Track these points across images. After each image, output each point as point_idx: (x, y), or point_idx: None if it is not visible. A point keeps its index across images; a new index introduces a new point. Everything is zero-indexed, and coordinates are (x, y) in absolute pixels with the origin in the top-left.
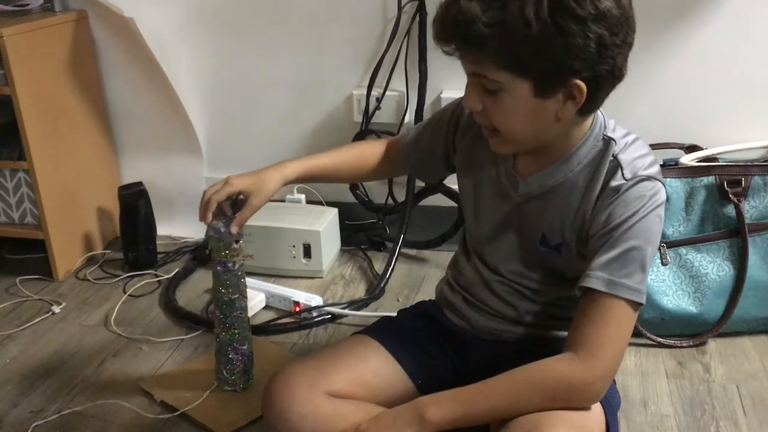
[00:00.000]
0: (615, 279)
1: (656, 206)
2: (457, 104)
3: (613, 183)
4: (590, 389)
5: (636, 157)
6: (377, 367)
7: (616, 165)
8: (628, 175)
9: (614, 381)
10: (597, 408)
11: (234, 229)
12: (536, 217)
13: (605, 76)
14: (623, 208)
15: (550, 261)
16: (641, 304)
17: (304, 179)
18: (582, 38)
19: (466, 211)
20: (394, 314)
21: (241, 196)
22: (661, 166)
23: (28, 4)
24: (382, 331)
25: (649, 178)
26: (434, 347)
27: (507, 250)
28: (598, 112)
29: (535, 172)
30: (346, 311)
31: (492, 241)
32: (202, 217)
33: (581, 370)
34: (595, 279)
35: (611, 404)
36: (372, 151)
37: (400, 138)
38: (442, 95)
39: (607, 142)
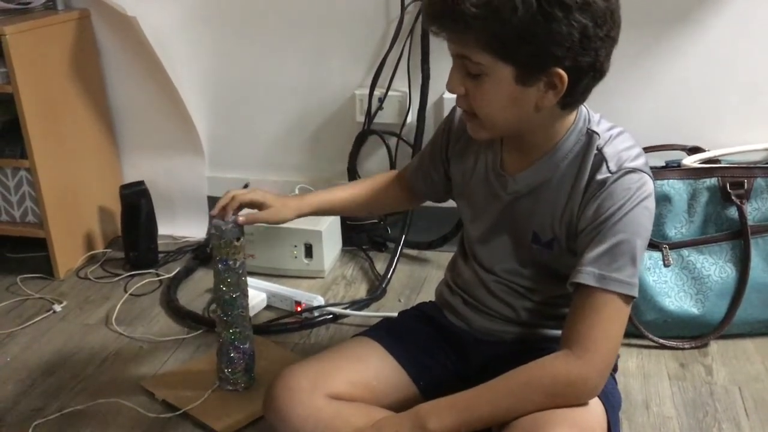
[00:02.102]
0: (606, 273)
1: (643, 198)
2: (450, 113)
3: (599, 176)
4: (588, 385)
5: (621, 149)
6: (379, 369)
7: (601, 158)
8: (613, 168)
9: (615, 380)
10: (598, 407)
11: (241, 219)
12: (527, 215)
13: (587, 68)
14: (610, 201)
15: (543, 258)
16: (633, 297)
17: (320, 212)
18: (566, 26)
19: (463, 216)
20: (396, 315)
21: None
22: (664, 167)
23: (30, 3)
24: (383, 332)
25: (634, 170)
26: (435, 349)
27: (501, 250)
28: (582, 106)
29: (522, 169)
30: (348, 311)
31: (486, 242)
32: (216, 211)
33: (578, 366)
34: (586, 274)
35: (612, 404)
36: (385, 183)
37: (407, 166)
38: (445, 96)
39: (591, 135)
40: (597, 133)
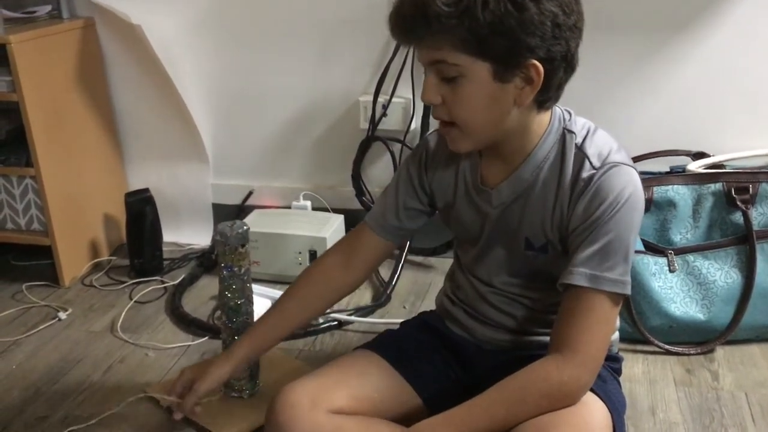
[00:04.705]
0: (598, 273)
1: (631, 192)
2: (419, 145)
3: (584, 174)
4: (580, 383)
5: (600, 145)
6: (380, 383)
7: (582, 156)
8: (597, 164)
9: (619, 384)
10: (602, 410)
11: (177, 416)
12: (516, 223)
13: (560, 59)
14: (599, 199)
15: (538, 264)
16: (626, 295)
17: (260, 349)
18: (537, 15)
19: (455, 237)
20: (400, 321)
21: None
22: (668, 173)
23: (35, 11)
24: (384, 345)
25: (618, 164)
26: (438, 359)
27: (497, 263)
28: (556, 107)
29: (504, 178)
30: (353, 318)
31: (481, 259)
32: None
33: (569, 368)
34: (578, 275)
35: (617, 407)
36: (332, 264)
37: (363, 227)
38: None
39: (567, 134)
40: (573, 132)
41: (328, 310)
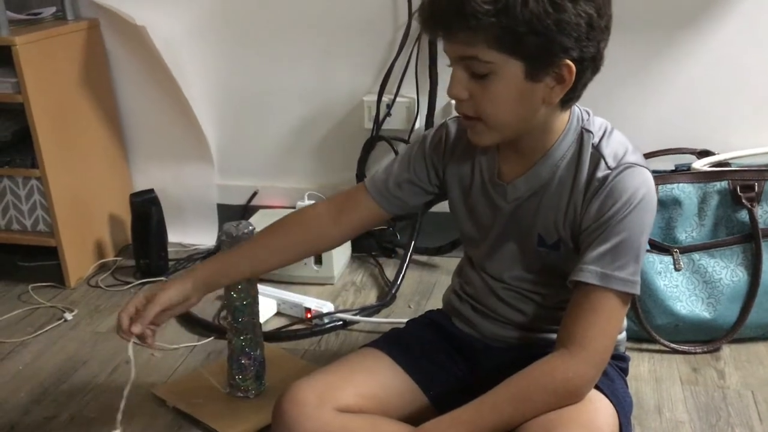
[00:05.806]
0: (608, 272)
1: (645, 194)
2: (439, 129)
3: (599, 173)
4: (585, 379)
5: (616, 145)
6: (386, 381)
7: (599, 156)
8: (612, 164)
9: (626, 384)
10: (609, 409)
11: (136, 328)
12: (530, 219)
13: (590, 60)
14: (612, 199)
15: (550, 261)
16: (634, 294)
17: (226, 275)
18: (575, 16)
19: (463, 231)
20: (405, 321)
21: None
22: (673, 171)
23: (40, 13)
24: (390, 343)
25: (633, 165)
26: (444, 357)
27: (508, 259)
28: (576, 107)
29: (521, 174)
30: (358, 318)
31: (493, 253)
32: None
33: (574, 364)
34: (589, 273)
35: (624, 407)
36: (323, 213)
37: (362, 188)
38: (453, 101)
39: (585, 133)
40: (591, 132)
41: (329, 310)
